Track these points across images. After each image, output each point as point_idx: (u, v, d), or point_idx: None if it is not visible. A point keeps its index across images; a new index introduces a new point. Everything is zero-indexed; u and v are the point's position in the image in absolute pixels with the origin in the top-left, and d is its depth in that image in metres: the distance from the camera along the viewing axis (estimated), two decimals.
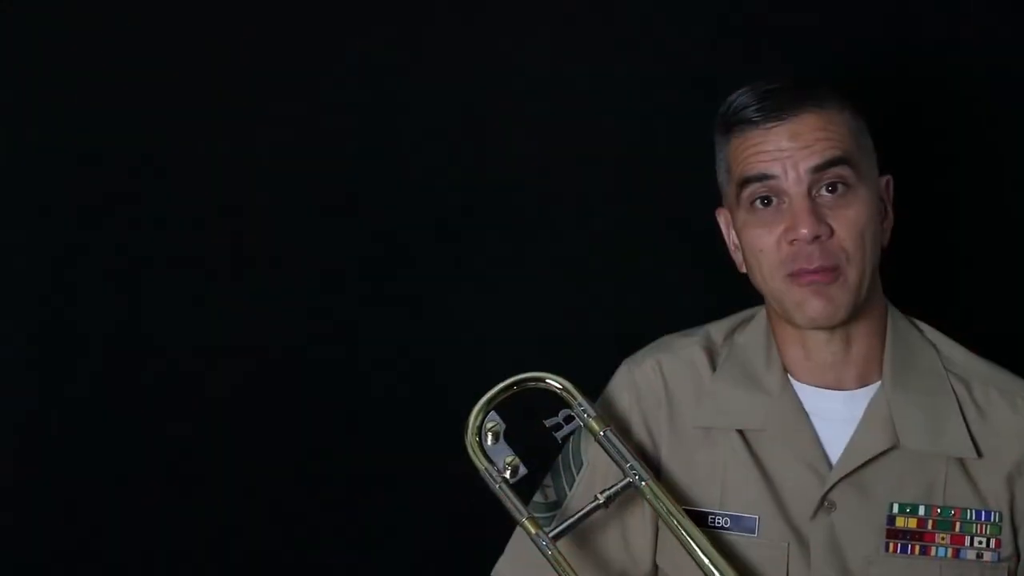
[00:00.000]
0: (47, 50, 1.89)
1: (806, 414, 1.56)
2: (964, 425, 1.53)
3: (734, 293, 1.72)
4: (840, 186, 1.50)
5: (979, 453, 1.52)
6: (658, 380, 1.62)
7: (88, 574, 1.93)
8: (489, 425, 1.54)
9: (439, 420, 1.69)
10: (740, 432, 1.57)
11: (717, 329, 1.65)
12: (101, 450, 1.91)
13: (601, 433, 1.52)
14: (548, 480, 1.64)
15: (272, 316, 1.91)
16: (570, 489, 1.61)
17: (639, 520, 1.59)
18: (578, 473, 1.61)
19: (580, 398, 1.55)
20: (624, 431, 1.59)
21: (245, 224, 1.91)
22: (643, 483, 1.50)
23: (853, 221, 1.49)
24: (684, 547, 1.50)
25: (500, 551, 1.63)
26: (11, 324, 1.91)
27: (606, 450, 1.53)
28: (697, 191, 1.85)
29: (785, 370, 1.58)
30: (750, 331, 1.63)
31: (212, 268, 1.91)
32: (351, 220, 1.91)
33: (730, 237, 1.62)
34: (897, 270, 1.64)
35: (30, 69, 1.89)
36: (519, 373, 1.56)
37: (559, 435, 1.54)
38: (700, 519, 1.54)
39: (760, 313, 1.63)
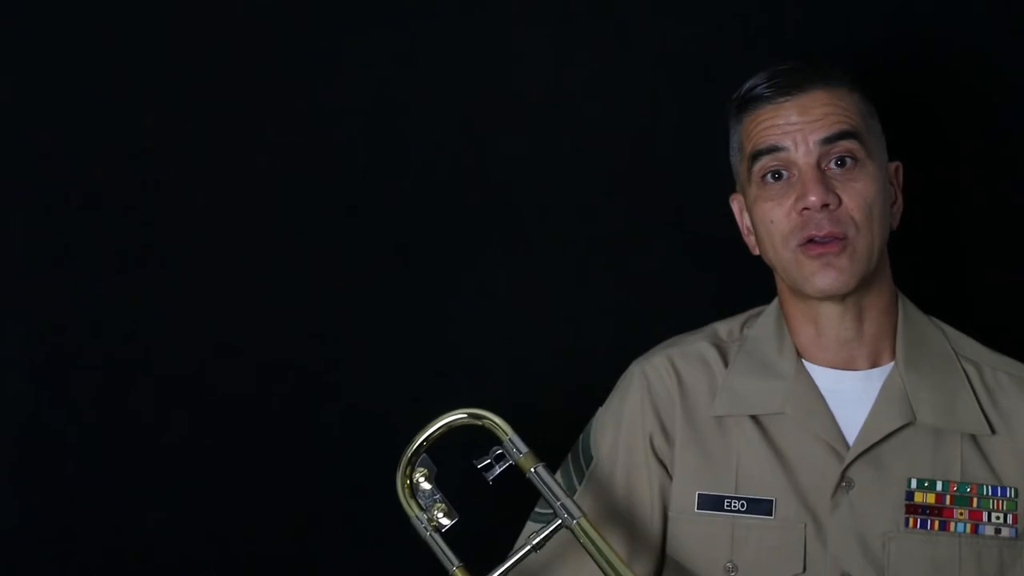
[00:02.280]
0: (47, 50, 1.89)
1: (822, 395, 1.58)
2: (976, 403, 1.57)
3: (734, 293, 1.73)
4: (848, 160, 1.54)
5: (992, 430, 1.56)
6: (670, 374, 1.64)
7: (88, 574, 1.93)
8: (420, 471, 1.53)
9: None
10: (753, 417, 1.59)
11: (724, 326, 1.68)
12: (101, 450, 1.91)
13: (532, 470, 1.48)
14: (569, 459, 1.67)
15: (272, 316, 1.91)
16: (579, 483, 1.63)
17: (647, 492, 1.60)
18: (587, 467, 1.64)
19: (510, 433, 1.50)
20: (633, 425, 1.62)
21: (245, 224, 1.91)
22: (574, 521, 1.46)
23: (861, 193, 1.53)
24: None
25: (501, 554, 1.62)
26: (11, 324, 1.91)
27: (536, 487, 1.49)
28: (697, 191, 1.86)
29: (799, 354, 1.61)
30: (760, 323, 1.65)
31: (212, 268, 1.91)
32: (352, 220, 1.91)
33: (743, 221, 1.65)
34: (896, 270, 1.64)
35: (31, 69, 1.89)
36: (458, 409, 1.53)
37: (490, 476, 1.50)
38: (716, 503, 1.57)
39: (768, 307, 1.66)
